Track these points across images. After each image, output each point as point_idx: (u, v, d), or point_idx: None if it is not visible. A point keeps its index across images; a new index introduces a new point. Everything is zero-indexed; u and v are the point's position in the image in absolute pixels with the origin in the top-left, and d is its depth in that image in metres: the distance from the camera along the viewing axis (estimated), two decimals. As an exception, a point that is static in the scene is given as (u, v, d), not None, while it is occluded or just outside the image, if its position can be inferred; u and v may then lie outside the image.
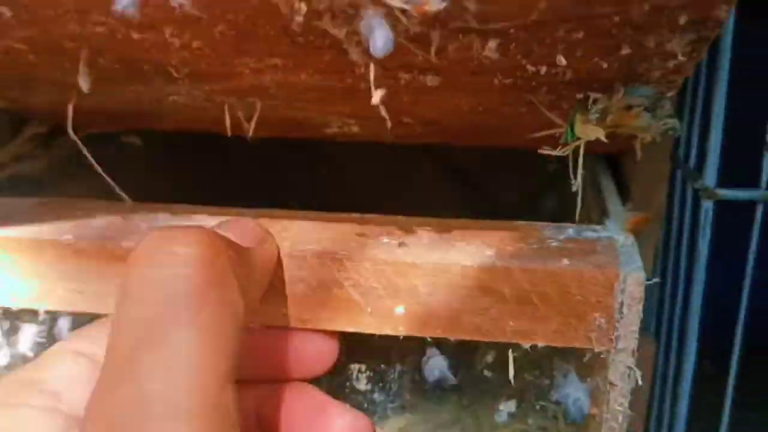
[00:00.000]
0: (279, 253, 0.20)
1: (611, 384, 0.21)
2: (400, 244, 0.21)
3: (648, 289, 0.20)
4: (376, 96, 0.18)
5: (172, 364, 0.15)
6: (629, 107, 0.20)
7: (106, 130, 0.29)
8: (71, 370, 0.19)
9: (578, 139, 0.21)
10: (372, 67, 0.17)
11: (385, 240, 0.22)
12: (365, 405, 0.26)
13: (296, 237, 0.21)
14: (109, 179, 0.25)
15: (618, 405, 0.21)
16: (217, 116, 0.25)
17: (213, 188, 0.28)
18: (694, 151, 0.24)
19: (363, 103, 0.20)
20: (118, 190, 0.25)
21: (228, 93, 0.23)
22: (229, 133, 0.25)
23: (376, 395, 0.26)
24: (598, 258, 0.20)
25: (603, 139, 0.21)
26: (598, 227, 0.23)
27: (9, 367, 0.24)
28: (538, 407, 0.24)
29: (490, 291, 0.20)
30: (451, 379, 0.23)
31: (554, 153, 0.21)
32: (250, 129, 0.25)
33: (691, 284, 0.25)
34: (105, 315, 0.22)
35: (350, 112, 0.24)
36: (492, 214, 0.24)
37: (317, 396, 0.22)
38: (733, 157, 0.26)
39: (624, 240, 0.22)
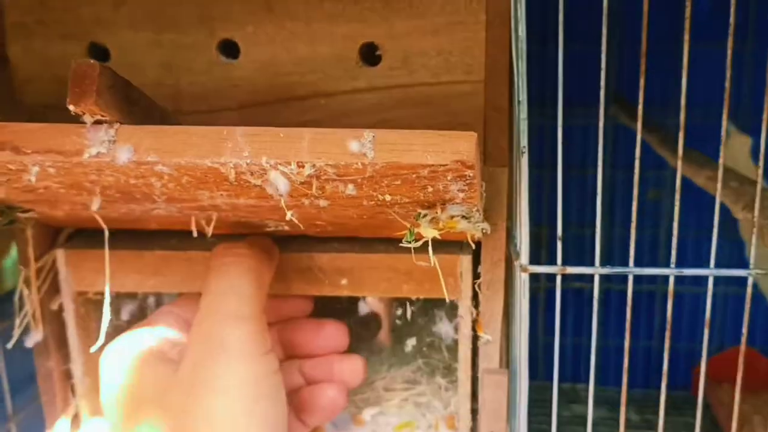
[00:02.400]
0: (278, 253, 0.37)
1: (461, 317, 0.37)
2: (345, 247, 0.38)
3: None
4: (289, 215, 0.29)
5: (238, 297, 0.32)
6: (452, 217, 0.31)
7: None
8: (170, 322, 0.35)
9: (422, 237, 0.32)
10: (282, 199, 0.28)
11: (336, 245, 0.38)
12: None
13: (293, 249, 0.38)
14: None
15: (466, 329, 0.37)
16: (187, 222, 0.36)
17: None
18: (518, 238, 0.35)
19: (285, 213, 0.32)
20: None
21: (193, 209, 0.34)
22: (195, 235, 0.36)
23: None
24: (450, 250, 0.37)
25: (438, 237, 0.32)
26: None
27: (110, 334, 0.38)
28: (428, 340, 0.41)
29: (392, 268, 0.37)
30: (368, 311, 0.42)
31: (409, 246, 0.32)
32: (209, 231, 0.35)
33: (519, 333, 0.35)
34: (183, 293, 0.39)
35: (279, 219, 0.35)
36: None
37: (314, 319, 0.40)
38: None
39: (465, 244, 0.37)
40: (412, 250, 0.31)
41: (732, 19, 0.32)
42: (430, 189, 0.28)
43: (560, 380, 0.38)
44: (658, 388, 0.42)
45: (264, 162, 0.26)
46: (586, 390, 0.69)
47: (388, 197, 0.29)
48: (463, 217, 0.31)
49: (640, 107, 0.34)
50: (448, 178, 0.26)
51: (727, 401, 0.70)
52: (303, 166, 0.26)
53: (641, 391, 0.77)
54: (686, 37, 0.32)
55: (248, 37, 0.35)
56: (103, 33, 0.37)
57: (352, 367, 0.38)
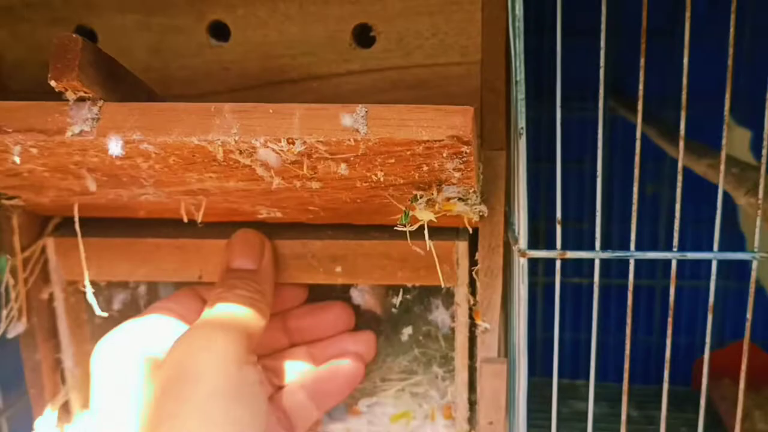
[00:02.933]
0: (270, 246, 0.36)
1: (457, 304, 0.36)
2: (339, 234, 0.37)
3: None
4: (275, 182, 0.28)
5: (236, 325, 0.32)
6: (448, 199, 0.30)
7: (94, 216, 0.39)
8: (164, 318, 0.35)
9: (417, 220, 0.31)
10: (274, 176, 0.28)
11: (330, 231, 0.37)
12: None
13: (286, 236, 0.37)
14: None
15: (463, 318, 0.36)
16: (176, 208, 0.35)
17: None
18: (516, 223, 0.34)
19: (277, 198, 0.31)
20: None
21: (182, 193, 0.33)
22: (185, 220, 0.35)
23: None
24: (446, 236, 0.35)
25: (434, 219, 0.31)
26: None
27: (102, 324, 0.39)
28: (424, 329, 0.40)
29: (386, 255, 0.36)
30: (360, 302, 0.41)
31: (404, 229, 0.31)
32: (199, 217, 0.35)
33: (518, 319, 0.34)
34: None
35: (270, 204, 0.34)
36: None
37: (319, 303, 0.40)
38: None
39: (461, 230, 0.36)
40: (408, 234, 0.30)
41: (733, 6, 0.31)
42: (425, 168, 0.27)
43: (559, 376, 0.38)
44: (658, 383, 0.41)
45: (253, 139, 0.25)
46: (586, 386, 0.68)
47: (381, 176, 0.28)
48: (460, 199, 0.30)
49: (641, 90, 0.33)
50: (444, 155, 0.25)
51: (728, 396, 0.69)
52: (293, 143, 0.25)
53: (641, 387, 0.76)
54: (687, 14, 0.31)
55: (239, 20, 0.35)
56: (90, 16, 0.36)
57: (365, 342, 0.39)
